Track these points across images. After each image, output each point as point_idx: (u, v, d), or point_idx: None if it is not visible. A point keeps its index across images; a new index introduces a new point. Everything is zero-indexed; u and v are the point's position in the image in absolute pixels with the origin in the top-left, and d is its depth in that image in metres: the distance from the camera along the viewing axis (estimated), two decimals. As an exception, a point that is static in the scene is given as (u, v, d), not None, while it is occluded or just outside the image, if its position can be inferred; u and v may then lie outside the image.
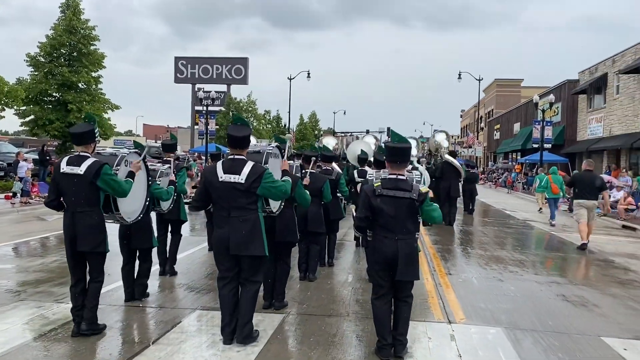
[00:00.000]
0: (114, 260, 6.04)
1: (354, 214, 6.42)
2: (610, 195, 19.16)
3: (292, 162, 6.37)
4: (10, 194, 17.70)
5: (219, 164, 4.65)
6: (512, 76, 62.51)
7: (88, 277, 4.92)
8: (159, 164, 7.00)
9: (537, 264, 9.34)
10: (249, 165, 4.56)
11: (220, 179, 4.54)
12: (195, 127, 47.13)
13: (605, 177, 21.39)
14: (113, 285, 6.50)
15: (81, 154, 4.82)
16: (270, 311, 5.76)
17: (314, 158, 6.64)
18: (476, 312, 6.08)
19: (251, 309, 4.69)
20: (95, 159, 4.78)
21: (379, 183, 4.52)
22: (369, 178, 5.98)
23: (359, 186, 7.95)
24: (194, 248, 9.47)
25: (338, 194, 7.96)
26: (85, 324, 4.82)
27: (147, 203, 5.62)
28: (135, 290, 6.06)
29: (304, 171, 6.72)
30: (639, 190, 18.92)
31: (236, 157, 4.63)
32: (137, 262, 6.14)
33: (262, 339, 4.88)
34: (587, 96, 30.30)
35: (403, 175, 4.53)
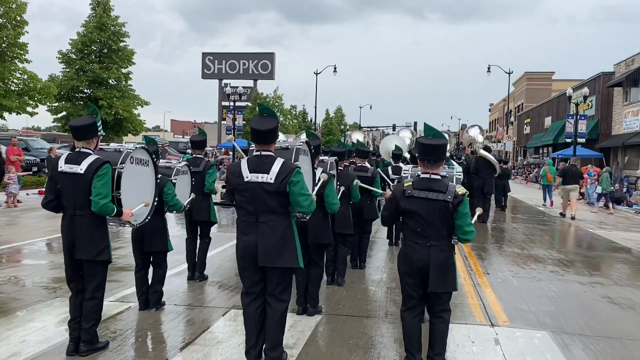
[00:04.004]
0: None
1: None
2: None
3: (326, 157, 6.17)
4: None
5: (244, 162, 4.06)
6: (541, 69, 61.15)
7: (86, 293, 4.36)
8: (174, 161, 6.58)
9: (576, 263, 9.01)
10: (278, 163, 3.96)
11: (245, 179, 3.96)
12: (223, 122, 47.43)
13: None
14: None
15: (82, 150, 4.32)
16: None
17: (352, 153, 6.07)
18: (519, 314, 5.84)
19: (280, 331, 4.08)
20: (96, 156, 4.29)
21: (410, 183, 4.11)
22: (404, 175, 5.58)
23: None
24: (225, 244, 9.39)
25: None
26: (84, 345, 4.33)
27: (154, 204, 5.03)
28: (149, 298, 5.66)
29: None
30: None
31: (263, 153, 4.04)
32: (150, 268, 5.73)
33: (299, 341, 4.76)
34: (623, 89, 29.34)
35: (437, 174, 4.07)
